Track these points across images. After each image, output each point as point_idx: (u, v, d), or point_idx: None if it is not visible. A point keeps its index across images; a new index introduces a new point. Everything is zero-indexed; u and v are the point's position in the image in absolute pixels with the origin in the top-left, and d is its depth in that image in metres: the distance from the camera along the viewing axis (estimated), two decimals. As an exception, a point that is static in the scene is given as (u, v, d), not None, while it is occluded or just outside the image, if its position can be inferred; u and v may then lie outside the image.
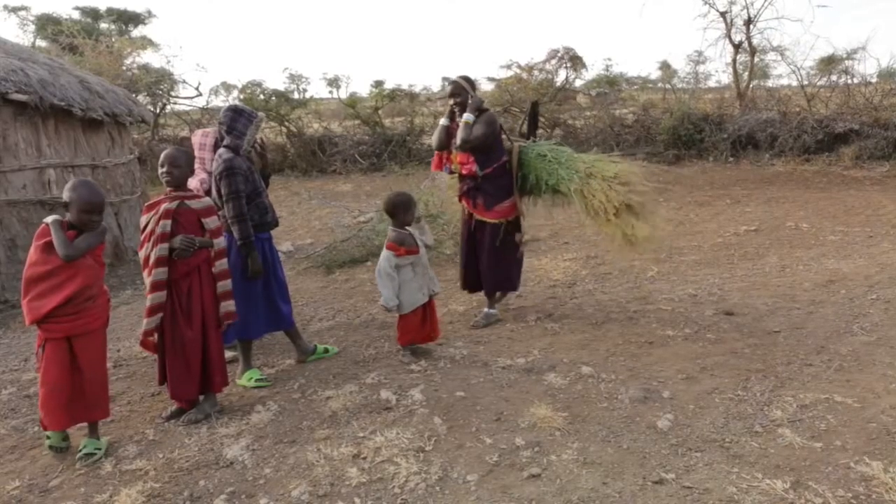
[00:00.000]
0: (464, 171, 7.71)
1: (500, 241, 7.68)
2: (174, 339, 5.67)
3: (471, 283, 8.14)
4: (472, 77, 7.91)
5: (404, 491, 4.53)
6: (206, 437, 5.47)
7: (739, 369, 6.23)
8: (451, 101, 7.79)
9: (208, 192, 6.50)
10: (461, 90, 7.66)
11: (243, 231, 6.26)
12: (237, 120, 6.41)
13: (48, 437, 5.34)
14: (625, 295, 8.79)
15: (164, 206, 5.59)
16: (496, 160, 7.64)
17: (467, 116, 7.49)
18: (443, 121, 7.90)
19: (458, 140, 7.55)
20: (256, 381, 6.46)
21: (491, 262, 7.79)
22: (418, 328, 6.91)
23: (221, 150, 6.36)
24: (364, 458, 4.95)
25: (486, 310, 8.02)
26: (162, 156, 5.71)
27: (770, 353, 6.58)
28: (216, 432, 5.54)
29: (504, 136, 7.89)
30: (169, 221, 5.55)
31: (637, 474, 4.58)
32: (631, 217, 7.34)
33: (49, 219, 5.12)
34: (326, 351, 7.13)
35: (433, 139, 8.00)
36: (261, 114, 6.73)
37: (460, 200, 7.99)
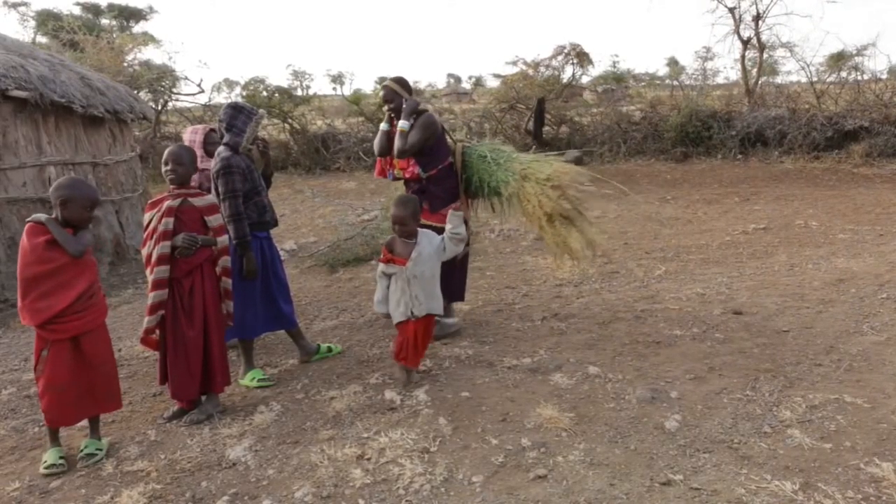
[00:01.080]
0: (406, 175, 7.41)
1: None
2: (175, 338, 5.68)
3: None
4: (407, 78, 7.63)
5: (409, 492, 4.53)
6: (208, 438, 5.48)
7: (748, 369, 6.22)
8: (386, 108, 7.56)
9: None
10: (394, 95, 7.41)
11: (239, 230, 6.25)
12: (237, 117, 6.41)
13: (44, 461, 5.22)
14: (632, 294, 8.79)
15: (166, 204, 5.60)
16: (440, 161, 7.39)
17: (402, 124, 7.22)
18: (383, 126, 7.59)
19: (395, 150, 7.26)
20: (259, 381, 6.46)
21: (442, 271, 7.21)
22: (399, 343, 6.30)
23: (221, 149, 6.37)
24: (368, 459, 4.95)
25: (443, 320, 7.40)
26: (165, 153, 5.72)
27: (779, 353, 6.57)
28: (219, 433, 5.55)
29: (448, 138, 7.66)
30: (171, 219, 5.57)
31: (644, 475, 4.58)
32: (563, 227, 7.11)
33: (42, 217, 5.08)
34: (330, 350, 7.13)
35: (374, 145, 7.70)
36: (261, 111, 6.72)
37: None
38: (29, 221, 5.12)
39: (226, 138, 6.36)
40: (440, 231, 6.66)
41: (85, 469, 5.11)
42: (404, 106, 7.30)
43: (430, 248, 6.32)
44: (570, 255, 7.30)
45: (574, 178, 7.23)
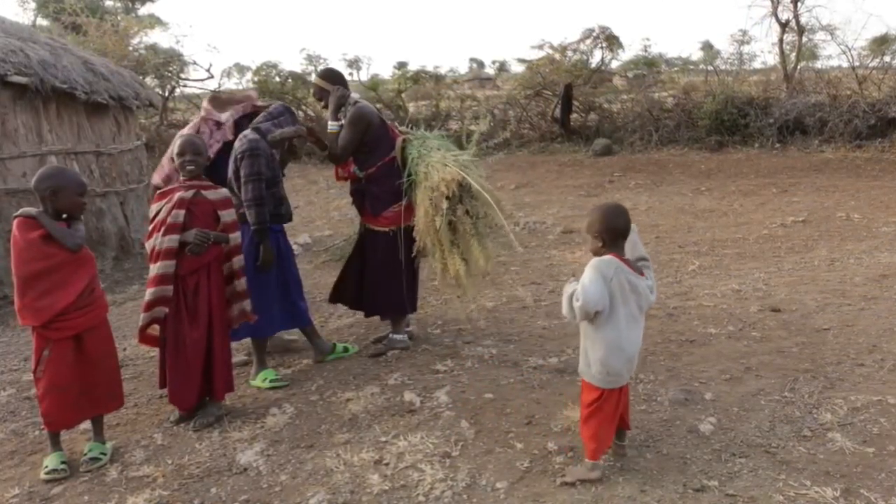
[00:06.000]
0: (346, 175, 7.15)
1: (413, 255, 6.93)
2: (176, 339, 5.66)
3: (343, 295, 7.45)
4: (338, 69, 7.32)
5: (429, 499, 4.54)
6: (218, 442, 5.49)
7: (786, 369, 6.20)
8: (321, 106, 7.39)
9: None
10: (322, 92, 7.16)
11: (259, 215, 6.25)
12: (285, 115, 6.65)
13: (45, 466, 5.23)
14: (664, 290, 8.74)
15: (178, 195, 5.57)
16: (380, 158, 6.97)
17: (331, 126, 6.96)
18: (331, 126, 7.06)
19: (329, 155, 7.08)
20: (271, 381, 6.47)
21: (377, 279, 7.07)
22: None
23: (247, 132, 6.40)
24: (386, 464, 4.96)
25: (391, 335, 7.28)
26: (180, 143, 5.71)
27: (819, 353, 6.54)
28: (229, 437, 5.56)
29: (394, 128, 7.22)
30: (182, 211, 5.54)
31: (677, 481, 4.56)
32: (449, 244, 6.55)
33: (32, 211, 5.04)
34: (346, 350, 7.13)
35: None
36: (302, 128, 6.75)
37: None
38: (17, 216, 5.07)
39: (262, 123, 6.40)
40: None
41: (88, 474, 5.12)
42: (330, 101, 7.03)
43: (590, 281, 4.53)
44: (460, 283, 6.68)
45: (464, 189, 6.54)
